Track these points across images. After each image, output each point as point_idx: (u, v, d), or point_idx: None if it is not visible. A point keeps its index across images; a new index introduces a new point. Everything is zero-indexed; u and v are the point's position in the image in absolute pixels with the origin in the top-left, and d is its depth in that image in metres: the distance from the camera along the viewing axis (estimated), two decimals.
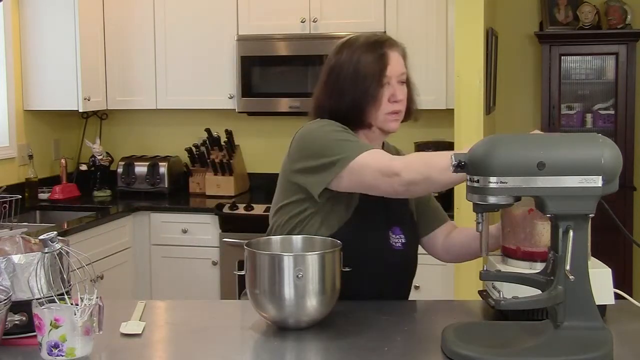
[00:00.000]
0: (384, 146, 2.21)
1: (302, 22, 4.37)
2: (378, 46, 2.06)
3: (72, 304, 1.63)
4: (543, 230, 1.83)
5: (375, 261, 2.04)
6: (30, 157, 4.49)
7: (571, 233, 1.57)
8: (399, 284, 2.14)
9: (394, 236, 2.09)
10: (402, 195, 1.96)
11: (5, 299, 1.59)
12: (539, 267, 1.78)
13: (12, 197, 3.62)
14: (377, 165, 1.90)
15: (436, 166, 1.81)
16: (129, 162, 4.75)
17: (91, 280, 1.63)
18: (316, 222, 2.03)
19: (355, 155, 1.92)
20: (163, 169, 4.70)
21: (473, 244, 2.10)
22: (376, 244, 2.04)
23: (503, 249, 1.92)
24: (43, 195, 4.50)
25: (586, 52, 4.94)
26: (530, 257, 1.86)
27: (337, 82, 2.08)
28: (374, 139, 2.12)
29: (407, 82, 2.13)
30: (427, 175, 1.83)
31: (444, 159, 1.76)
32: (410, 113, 2.15)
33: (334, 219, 2.02)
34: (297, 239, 1.94)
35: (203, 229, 4.29)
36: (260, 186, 4.74)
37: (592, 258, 1.85)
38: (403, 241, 2.10)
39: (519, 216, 1.86)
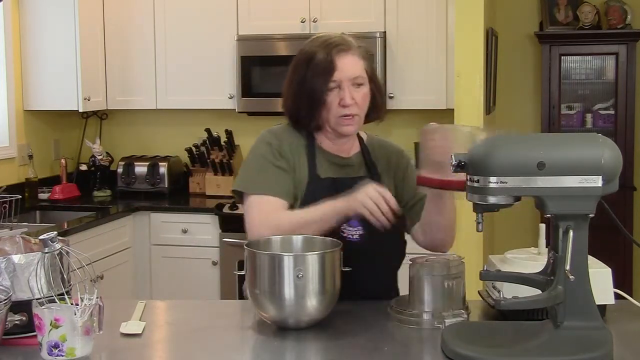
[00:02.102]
0: (366, 142, 2.20)
1: (302, 22, 4.36)
2: (330, 49, 2.05)
3: (72, 304, 1.64)
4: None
5: None
6: (30, 157, 4.49)
7: (571, 233, 1.57)
8: (370, 278, 2.08)
9: (350, 228, 2.05)
10: None
11: (5, 299, 1.59)
12: (533, 266, 1.77)
13: (12, 197, 3.62)
14: (247, 216, 2.08)
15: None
16: (129, 162, 4.75)
17: (91, 280, 1.63)
18: None
19: (251, 191, 2.08)
20: (163, 169, 4.69)
21: (434, 219, 2.09)
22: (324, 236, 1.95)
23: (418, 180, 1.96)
24: (43, 195, 4.49)
25: (586, 52, 4.94)
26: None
27: (293, 81, 2.10)
28: (333, 139, 2.13)
29: (373, 82, 2.10)
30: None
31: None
32: (377, 114, 2.14)
33: None
34: (297, 239, 1.94)
35: (203, 229, 4.28)
36: None
37: (592, 258, 1.85)
38: (361, 233, 2.05)
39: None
